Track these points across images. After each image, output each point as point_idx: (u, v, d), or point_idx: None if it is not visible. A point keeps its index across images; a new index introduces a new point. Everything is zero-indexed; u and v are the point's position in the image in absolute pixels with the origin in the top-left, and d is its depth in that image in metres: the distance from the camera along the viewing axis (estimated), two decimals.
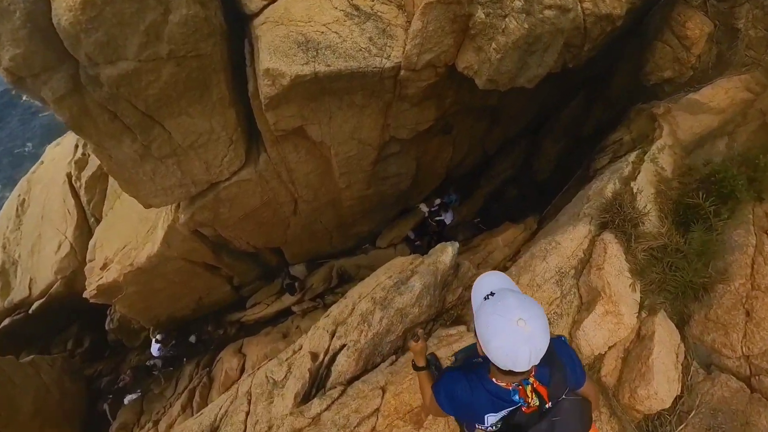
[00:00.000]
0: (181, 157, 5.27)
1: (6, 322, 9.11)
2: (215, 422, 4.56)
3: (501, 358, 1.33)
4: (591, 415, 1.67)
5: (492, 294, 1.41)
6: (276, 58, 4.27)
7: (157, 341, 8.82)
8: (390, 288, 4.59)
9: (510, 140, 8.09)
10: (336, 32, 4.47)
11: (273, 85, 4.41)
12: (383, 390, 3.33)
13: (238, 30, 4.88)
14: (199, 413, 5.47)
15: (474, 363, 1.69)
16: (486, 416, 1.56)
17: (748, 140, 4.72)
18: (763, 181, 3.97)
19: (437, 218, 8.57)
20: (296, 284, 8.91)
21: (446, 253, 4.59)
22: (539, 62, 4.58)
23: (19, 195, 9.91)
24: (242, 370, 8.00)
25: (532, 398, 1.49)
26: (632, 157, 4.56)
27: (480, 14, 4.13)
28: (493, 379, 1.53)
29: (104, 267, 7.41)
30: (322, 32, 4.45)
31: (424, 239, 8.78)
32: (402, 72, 4.67)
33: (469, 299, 1.54)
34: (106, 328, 9.55)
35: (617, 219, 3.61)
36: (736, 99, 5.23)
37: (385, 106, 5.33)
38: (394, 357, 3.99)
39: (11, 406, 7.16)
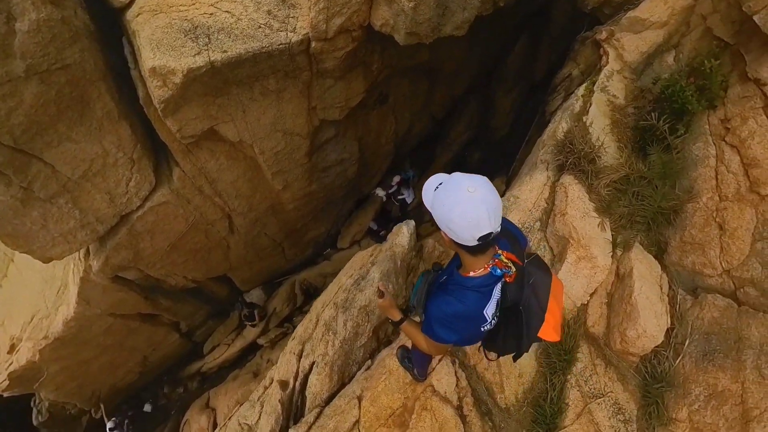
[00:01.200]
0: (75, 193, 5.04)
1: None
2: None
3: (465, 227, 1.55)
4: (546, 264, 2.07)
5: (440, 183, 1.65)
6: (161, 53, 4.16)
7: (111, 429, 8.44)
8: (350, 287, 4.67)
9: (458, 100, 8.32)
10: (227, 11, 4.41)
11: (164, 85, 4.30)
12: (359, 399, 3.40)
13: (111, 29, 4.71)
14: None
15: (442, 282, 1.96)
16: (484, 311, 1.77)
17: (693, 49, 5.12)
18: (713, 88, 4.34)
19: (399, 197, 8.69)
20: (255, 312, 8.79)
21: (402, 234, 4.71)
22: (463, 5, 4.73)
23: None
24: (214, 426, 7.84)
25: (509, 265, 1.75)
26: (581, 90, 4.83)
27: None
28: (471, 274, 1.76)
29: (12, 350, 6.97)
30: (211, 14, 4.37)
31: (389, 227, 8.89)
32: (313, 44, 4.69)
33: None
34: (35, 423, 8.97)
35: (572, 158, 3.84)
36: (677, 8, 5.65)
37: (305, 86, 5.33)
38: (369, 362, 4.07)
39: None
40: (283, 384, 4.56)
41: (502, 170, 7.32)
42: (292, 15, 4.60)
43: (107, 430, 8.45)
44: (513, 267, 1.77)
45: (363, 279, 4.71)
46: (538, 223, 3.80)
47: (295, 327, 9.20)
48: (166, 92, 4.35)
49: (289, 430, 3.80)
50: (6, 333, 7.35)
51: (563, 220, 3.60)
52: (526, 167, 4.97)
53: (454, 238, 1.63)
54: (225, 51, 4.32)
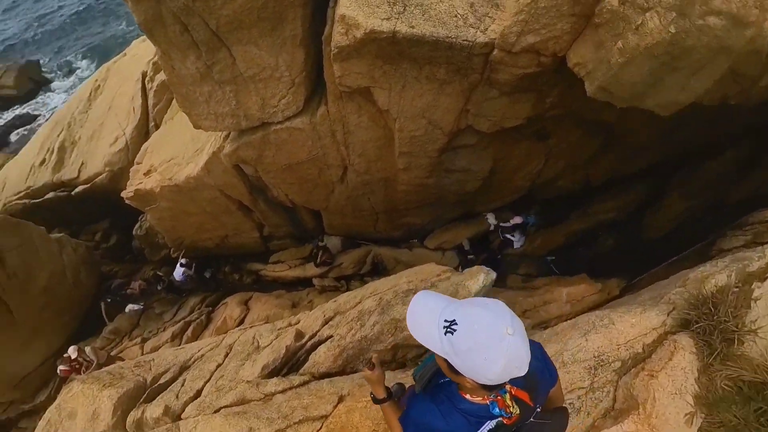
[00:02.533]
0: (239, 87, 5.71)
1: (50, 195, 11.14)
2: (189, 361, 5.10)
3: (497, 377, 1.31)
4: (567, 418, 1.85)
5: (451, 323, 1.33)
6: (357, 5, 4.33)
7: (182, 265, 9.91)
8: (401, 294, 4.60)
9: (624, 177, 7.27)
10: None
11: (345, 34, 4.49)
12: (340, 399, 3.41)
13: None
14: (181, 347, 6.17)
15: (441, 384, 1.71)
16: None
17: None
18: None
19: (506, 236, 8.20)
20: (323, 255, 9.28)
21: (476, 279, 4.42)
22: (682, 85, 3.97)
23: (96, 80, 11.76)
24: (241, 322, 8.73)
25: (513, 407, 1.53)
26: None
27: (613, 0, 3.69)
28: (467, 397, 1.55)
29: (147, 173, 8.49)
30: None
31: (479, 255, 8.50)
32: (495, 51, 4.43)
33: None
34: (134, 233, 11.07)
35: (705, 322, 3.09)
36: None
37: (468, 87, 5.13)
38: (389, 356, 4.04)
39: (28, 274, 8.75)
40: (299, 335, 4.79)
41: (626, 272, 6.34)
42: (490, 15, 4.35)
43: (179, 264, 9.90)
44: (518, 409, 1.53)
45: (415, 293, 4.60)
46: (618, 363, 3.21)
47: (348, 289, 9.62)
48: (344, 40, 4.55)
49: (274, 378, 4.01)
50: (150, 159, 8.95)
51: (648, 381, 2.98)
52: (649, 293, 4.20)
53: (462, 372, 1.35)
54: (412, 27, 4.31)
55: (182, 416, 3.95)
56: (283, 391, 3.85)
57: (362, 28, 4.32)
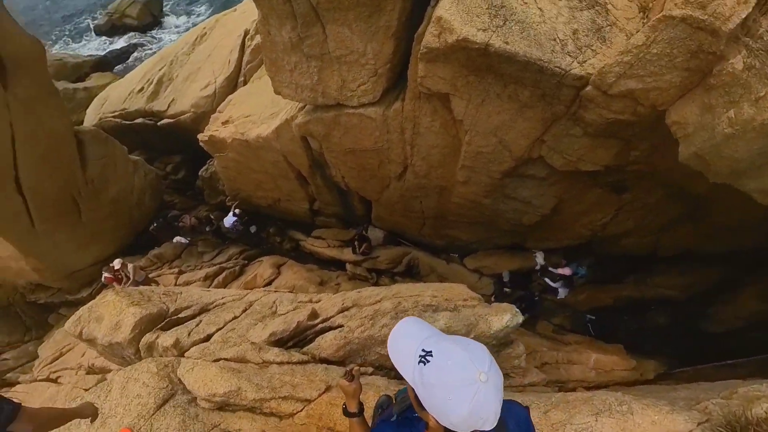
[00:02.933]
0: (324, 64, 5.86)
1: (139, 120, 12.32)
2: (210, 305, 5.38)
3: (460, 423, 1.23)
4: None
5: (427, 354, 1.29)
6: (456, 9, 4.26)
7: (235, 214, 10.49)
8: (420, 306, 4.55)
9: (698, 255, 6.59)
10: (540, 8, 4.18)
11: (438, 36, 4.45)
12: (327, 389, 3.45)
13: None
14: (208, 290, 6.54)
15: (411, 417, 1.63)
16: None
17: None
18: None
19: (552, 282, 7.80)
20: (363, 244, 9.38)
21: (500, 317, 4.25)
22: None
23: (204, 28, 12.69)
24: (269, 284, 9.09)
25: None
26: None
27: (737, 62, 3.31)
28: None
29: (225, 123, 9.02)
30: (525, 2, 4.20)
31: (516, 291, 8.16)
32: (588, 88, 4.17)
33: None
34: (200, 173, 11.90)
35: None
36: None
37: (551, 117, 4.90)
38: (370, 370, 4.05)
39: (102, 185, 9.74)
40: (313, 314, 4.89)
41: (669, 359, 5.78)
42: (593, 48, 4.10)
43: (231, 212, 10.43)
44: None
45: (434, 311, 4.52)
46: None
47: (377, 283, 9.67)
48: (434, 42, 4.51)
49: (277, 348, 4.13)
50: (231, 111, 9.50)
51: None
52: (686, 391, 3.80)
53: (426, 407, 1.30)
54: (507, 42, 4.17)
55: (186, 354, 4.20)
56: (280, 363, 3.97)
57: (456, 33, 4.25)
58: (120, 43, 24.15)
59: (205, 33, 12.34)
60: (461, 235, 8.59)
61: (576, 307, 7.66)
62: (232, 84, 10.92)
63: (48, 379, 7.80)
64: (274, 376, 3.66)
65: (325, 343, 4.29)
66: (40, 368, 8.44)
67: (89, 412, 2.77)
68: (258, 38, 10.60)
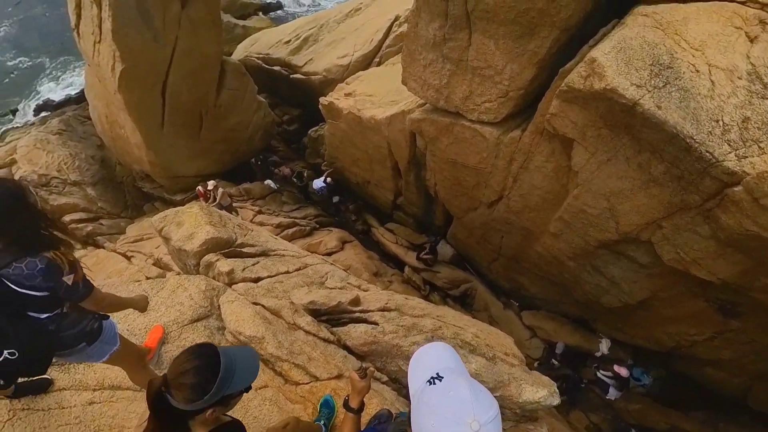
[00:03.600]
0: (458, 70, 5.87)
1: (276, 68, 13.59)
2: (271, 251, 5.72)
3: None
4: None
5: (439, 378, 1.31)
6: (615, 56, 3.97)
7: (325, 180, 11.16)
8: (458, 340, 4.41)
9: None
10: (713, 81, 3.73)
11: (584, 78, 4.20)
12: (338, 376, 3.52)
13: (617, 5, 4.65)
14: (276, 238, 6.96)
15: None
16: None
17: None
18: None
19: (603, 374, 7.10)
20: (429, 255, 9.34)
21: (535, 390, 3.95)
22: None
23: (361, 3, 13.47)
24: (328, 254, 9.46)
25: None
26: None
27: None
28: None
29: (347, 95, 9.48)
30: (698, 71, 3.79)
31: (563, 368, 7.55)
32: (738, 188, 3.65)
33: None
34: (309, 132, 12.74)
35: None
36: None
37: (678, 204, 4.39)
38: (384, 378, 4.04)
39: (226, 112, 11.04)
40: (355, 301, 4.99)
41: None
42: (762, 144, 3.56)
43: (324, 177, 11.13)
44: None
45: (472, 352, 4.35)
46: None
47: (427, 296, 9.55)
48: (579, 83, 4.28)
49: (310, 317, 4.28)
50: (356, 85, 9.96)
51: None
52: None
53: (412, 425, 1.30)
54: (659, 107, 3.81)
55: (233, 286, 4.54)
56: (307, 332, 4.12)
57: (605, 81, 3.97)
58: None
59: (360, 8, 13.08)
60: (530, 286, 8.14)
61: (622, 415, 6.84)
62: (366, 61, 11.43)
63: (124, 255, 8.98)
64: (297, 341, 3.81)
65: (355, 333, 4.35)
66: (122, 242, 9.75)
67: (142, 305, 3.16)
68: (404, 27, 10.95)
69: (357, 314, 4.71)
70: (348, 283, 5.66)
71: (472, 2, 4.94)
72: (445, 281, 9.50)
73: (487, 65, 5.42)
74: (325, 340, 4.16)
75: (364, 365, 2.05)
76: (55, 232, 2.12)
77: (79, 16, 10.08)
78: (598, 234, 5.50)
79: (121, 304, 2.79)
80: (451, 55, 5.71)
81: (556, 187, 5.83)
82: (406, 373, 3.99)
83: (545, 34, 4.70)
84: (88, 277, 2.19)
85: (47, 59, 23.65)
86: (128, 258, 8.92)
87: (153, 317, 3.76)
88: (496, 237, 7.87)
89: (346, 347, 4.29)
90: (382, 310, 4.91)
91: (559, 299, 7.67)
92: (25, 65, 23.83)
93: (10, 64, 24.00)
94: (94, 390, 3.34)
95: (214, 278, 4.75)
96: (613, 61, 3.96)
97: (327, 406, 3.25)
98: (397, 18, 11.78)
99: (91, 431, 3.14)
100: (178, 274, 5.70)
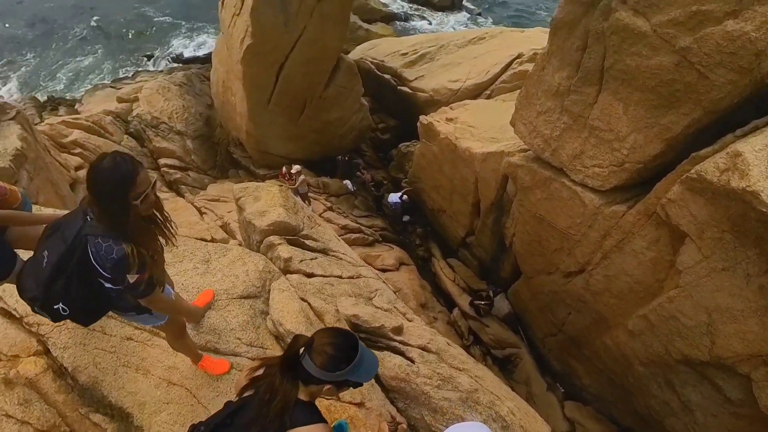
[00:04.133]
0: (573, 125, 5.60)
1: (386, 76, 14.24)
2: (331, 251, 5.78)
3: None
4: None
5: None
6: (766, 156, 3.53)
7: (401, 197, 11.33)
8: (492, 411, 4.14)
9: None
10: None
11: (720, 171, 3.78)
12: (360, 404, 3.43)
13: None
14: (339, 239, 7.06)
15: None
16: None
17: None
18: None
19: None
20: (484, 303, 8.99)
21: None
22: None
23: (486, 33, 13.77)
24: (382, 270, 9.46)
25: None
26: None
27: None
28: None
29: (448, 120, 9.51)
30: None
31: None
32: None
33: None
34: (399, 145, 13.01)
35: None
36: None
37: None
38: (405, 425, 3.88)
39: (329, 106, 11.74)
40: (398, 330, 4.88)
41: None
42: None
43: (401, 194, 11.34)
44: None
45: (505, 430, 4.06)
46: None
47: (469, 346, 9.15)
48: (712, 174, 3.88)
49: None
50: (460, 113, 9.98)
51: None
52: None
53: None
54: None
55: (288, 275, 4.65)
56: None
57: (747, 181, 3.54)
58: (411, 11, 27.37)
59: (484, 38, 13.21)
60: (584, 375, 7.46)
61: None
62: (477, 91, 11.42)
63: (199, 209, 9.69)
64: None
65: (389, 363, 4.23)
66: (200, 197, 10.55)
67: (195, 318, 3.37)
68: (525, 66, 10.82)
69: (396, 344, 4.58)
70: (395, 307, 5.55)
71: (611, 59, 4.70)
72: (492, 338, 9.04)
73: (608, 128, 5.11)
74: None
75: (398, 420, 2.03)
76: (153, 227, 2.26)
77: None
78: (686, 348, 4.89)
79: (176, 310, 2.90)
80: (571, 108, 5.47)
81: (649, 279, 5.30)
82: (428, 423, 3.80)
83: (685, 111, 4.32)
84: (153, 279, 2.30)
85: (184, 21, 27.17)
86: (201, 214, 9.60)
87: (209, 281, 3.95)
88: (563, 311, 7.34)
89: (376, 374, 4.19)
90: (422, 348, 4.74)
91: (614, 401, 6.92)
92: (167, 22, 27.40)
93: (155, 19, 27.83)
94: (136, 329, 3.56)
95: (271, 260, 4.90)
96: (764, 161, 3.52)
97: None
98: (520, 55, 11.68)
99: (121, 364, 3.34)
100: (240, 244, 5.98)
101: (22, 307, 3.47)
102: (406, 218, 11.55)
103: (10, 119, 8.19)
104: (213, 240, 7.87)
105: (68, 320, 2.30)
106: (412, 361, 4.22)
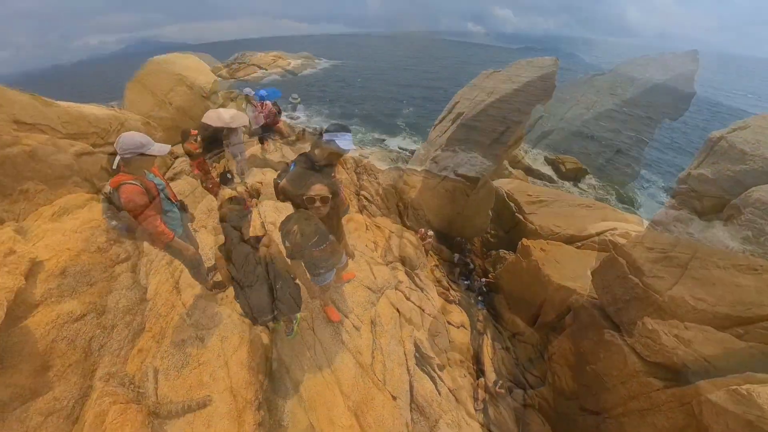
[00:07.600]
0: (643, 297, 4.85)
1: (511, 204, 13.47)
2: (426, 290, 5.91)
3: None
4: None
5: None
6: None
7: (461, 257, 10.84)
8: None
9: None
10: None
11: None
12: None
13: None
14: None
15: None
16: None
17: None
18: None
19: None
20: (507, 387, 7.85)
21: None
22: None
23: (593, 203, 12.51)
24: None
25: None
26: None
27: None
28: None
29: (542, 249, 8.94)
30: None
31: None
32: None
33: None
34: (499, 250, 12.39)
35: None
36: None
37: None
38: None
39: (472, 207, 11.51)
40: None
41: None
42: None
43: (461, 255, 10.90)
44: None
45: None
46: None
47: (484, 403, 7.96)
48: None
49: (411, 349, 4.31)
50: (555, 254, 9.25)
51: None
52: None
53: None
54: None
55: (395, 289, 4.94)
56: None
57: None
58: (545, 172, 25.80)
59: (591, 206, 12.11)
60: None
61: None
62: (571, 240, 10.47)
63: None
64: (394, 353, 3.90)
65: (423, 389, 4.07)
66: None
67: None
68: (616, 238, 9.50)
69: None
70: (418, 336, 5.16)
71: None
72: (507, 414, 7.75)
73: (674, 315, 4.33)
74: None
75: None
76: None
77: None
78: None
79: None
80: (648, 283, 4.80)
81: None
82: None
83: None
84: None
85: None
86: None
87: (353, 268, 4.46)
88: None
89: (411, 387, 4.10)
90: (432, 380, 4.46)
91: None
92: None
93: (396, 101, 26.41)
94: None
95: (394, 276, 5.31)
96: None
97: None
98: (613, 228, 10.39)
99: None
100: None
101: None
102: (479, 302, 10.89)
103: None
104: None
105: None
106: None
